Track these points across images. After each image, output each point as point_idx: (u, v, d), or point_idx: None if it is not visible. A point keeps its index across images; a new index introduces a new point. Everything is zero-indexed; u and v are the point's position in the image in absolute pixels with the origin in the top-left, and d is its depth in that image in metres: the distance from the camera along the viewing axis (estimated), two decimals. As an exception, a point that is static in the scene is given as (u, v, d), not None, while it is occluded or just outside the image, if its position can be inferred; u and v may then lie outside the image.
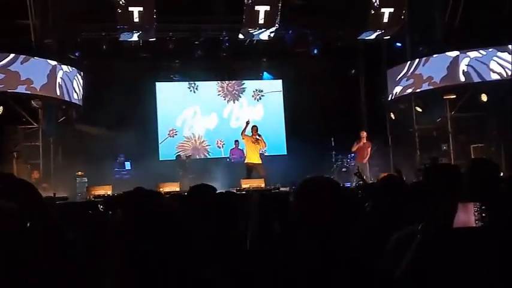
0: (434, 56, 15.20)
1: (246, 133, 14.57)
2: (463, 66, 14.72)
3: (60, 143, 15.18)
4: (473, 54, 14.67)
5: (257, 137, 14.48)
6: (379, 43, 16.96)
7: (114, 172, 15.77)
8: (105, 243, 2.61)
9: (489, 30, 14.52)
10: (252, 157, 14.49)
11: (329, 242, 2.26)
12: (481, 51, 14.62)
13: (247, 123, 14.72)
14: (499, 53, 14.51)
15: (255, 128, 14.63)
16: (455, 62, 14.80)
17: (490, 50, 14.56)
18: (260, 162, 14.56)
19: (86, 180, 14.10)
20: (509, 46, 14.43)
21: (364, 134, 15.25)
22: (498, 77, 14.49)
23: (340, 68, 18.04)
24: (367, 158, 15.14)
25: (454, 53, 14.83)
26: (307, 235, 2.30)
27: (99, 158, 14.85)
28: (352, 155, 16.65)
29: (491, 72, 14.53)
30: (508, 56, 14.42)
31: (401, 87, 16.08)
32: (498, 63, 14.47)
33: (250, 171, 14.41)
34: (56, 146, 15.09)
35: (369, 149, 15.21)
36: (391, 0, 14.91)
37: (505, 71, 14.44)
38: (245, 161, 14.72)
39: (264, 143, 14.62)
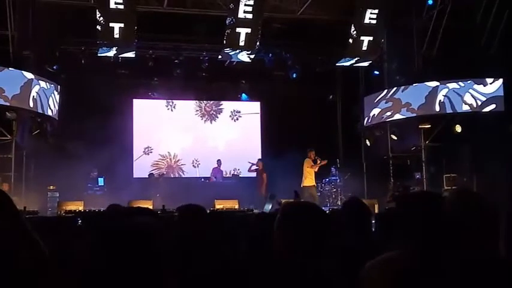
0: (414, 84, 15.41)
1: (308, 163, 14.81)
2: (440, 96, 14.97)
3: (33, 156, 14.97)
4: (452, 85, 14.94)
5: (314, 159, 14.77)
6: (357, 71, 17.20)
7: (86, 188, 15.58)
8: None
9: (466, 63, 14.83)
10: (312, 180, 14.78)
11: (310, 268, 2.28)
12: (460, 82, 14.89)
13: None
14: (475, 85, 14.80)
15: (313, 152, 14.81)
16: (434, 91, 15.05)
17: (468, 81, 14.84)
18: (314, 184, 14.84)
19: (58, 195, 13.92)
20: (486, 79, 14.72)
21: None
22: (468, 108, 14.77)
23: (318, 93, 18.19)
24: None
25: (434, 83, 15.08)
26: (289, 261, 2.31)
27: (72, 173, 14.64)
28: (327, 179, 16.76)
29: (463, 104, 14.80)
30: (483, 88, 14.71)
31: (379, 110, 16.21)
32: (472, 95, 14.75)
33: (307, 193, 14.53)
34: (29, 159, 14.88)
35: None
36: (370, 28, 15.15)
37: (476, 102, 14.72)
38: (302, 185, 14.79)
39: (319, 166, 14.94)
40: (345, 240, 4.02)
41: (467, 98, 14.79)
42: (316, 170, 14.95)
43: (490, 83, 14.74)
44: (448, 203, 2.92)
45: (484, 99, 14.71)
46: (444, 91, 14.96)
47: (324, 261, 2.36)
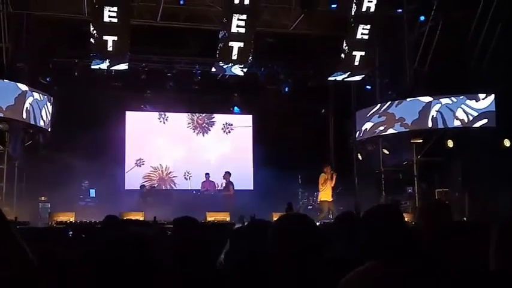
0: (408, 99, 15.46)
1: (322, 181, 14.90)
2: (433, 111, 15.01)
3: (25, 167, 14.92)
4: (444, 100, 14.98)
5: (331, 175, 14.90)
6: (349, 85, 17.30)
7: (78, 199, 15.54)
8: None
9: (457, 78, 14.94)
10: (328, 195, 14.92)
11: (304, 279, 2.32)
12: (452, 98, 14.95)
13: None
14: (467, 101, 14.86)
15: (329, 167, 15.03)
16: (427, 107, 15.08)
17: (461, 97, 14.91)
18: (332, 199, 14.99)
19: (49, 205, 13.88)
20: (479, 95, 14.80)
21: None
22: (459, 124, 14.84)
23: (310, 107, 18.28)
24: None
25: (427, 99, 15.11)
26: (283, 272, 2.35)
27: (64, 184, 14.62)
28: (318, 193, 16.77)
29: (454, 119, 14.88)
30: (475, 103, 14.80)
31: (372, 124, 16.21)
32: (464, 110, 14.83)
33: (326, 208, 14.68)
34: (21, 170, 14.83)
35: None
36: (362, 44, 15.25)
37: (468, 117, 14.80)
38: (320, 199, 15.02)
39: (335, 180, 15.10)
40: (337, 253, 4.06)
41: (459, 113, 14.87)
42: (332, 184, 15.08)
43: (483, 99, 14.80)
44: (419, 214, 2.98)
45: (475, 114, 14.78)
46: (437, 106, 15.01)
47: (316, 271, 2.40)
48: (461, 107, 14.88)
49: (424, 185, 15.72)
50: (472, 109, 14.82)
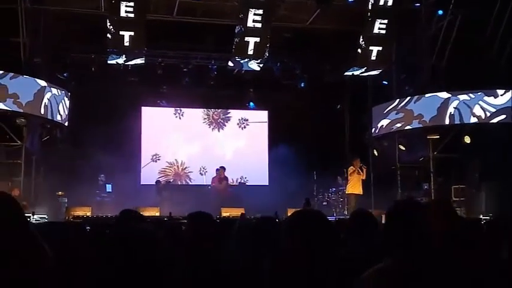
0: (427, 95, 15.28)
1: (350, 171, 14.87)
2: (451, 108, 14.82)
3: (43, 162, 15.06)
4: (462, 97, 14.77)
5: (360, 167, 14.77)
6: (365, 80, 17.18)
7: (94, 194, 15.64)
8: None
9: (475, 74, 14.78)
10: (355, 187, 14.74)
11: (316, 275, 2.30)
12: (470, 94, 14.76)
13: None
14: (485, 97, 14.66)
15: (358, 160, 14.89)
16: (445, 103, 14.91)
17: (479, 93, 14.72)
18: (362, 193, 14.85)
19: (66, 200, 13.98)
20: (497, 90, 14.62)
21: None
22: (476, 120, 14.67)
23: (326, 102, 18.22)
24: None
25: (446, 95, 14.94)
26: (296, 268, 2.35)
27: (81, 179, 14.74)
28: (334, 189, 16.75)
29: (471, 116, 14.70)
30: (493, 99, 14.62)
31: (388, 121, 16.05)
32: (481, 107, 14.64)
33: (353, 201, 14.61)
34: (38, 165, 14.98)
35: None
36: (379, 39, 15.12)
37: (485, 114, 14.62)
38: (347, 192, 14.96)
39: (365, 173, 14.98)
40: (351, 250, 4.04)
41: (477, 109, 14.68)
42: (363, 177, 14.94)
43: (501, 95, 14.60)
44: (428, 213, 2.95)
45: (493, 110, 14.59)
46: (455, 103, 14.81)
47: (328, 268, 2.39)
48: (478, 103, 14.69)
49: (441, 181, 15.57)
50: (489, 105, 14.64)
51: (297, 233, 2.45)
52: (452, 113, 14.83)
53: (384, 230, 2.71)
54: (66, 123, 15.28)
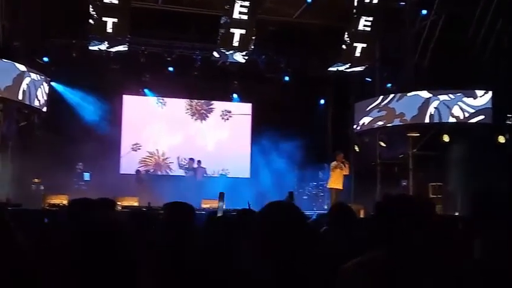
0: (409, 94, 15.37)
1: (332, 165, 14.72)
2: (431, 108, 14.95)
3: (19, 148, 14.83)
4: (442, 97, 14.90)
5: (342, 162, 14.59)
6: (349, 76, 17.22)
7: (72, 182, 15.47)
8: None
9: (457, 73, 14.89)
10: (336, 182, 14.59)
11: (285, 268, 2.27)
12: (450, 94, 14.88)
13: None
14: (464, 98, 14.80)
15: (341, 155, 14.71)
16: (426, 103, 15.02)
17: (459, 94, 14.84)
18: (342, 188, 14.67)
19: (42, 188, 13.80)
20: (475, 91, 14.76)
21: None
22: (454, 120, 14.81)
23: (309, 97, 18.22)
24: None
25: (427, 94, 15.04)
26: (264, 261, 2.31)
27: (59, 166, 14.55)
28: (314, 183, 16.79)
29: (450, 117, 14.83)
30: (472, 101, 14.75)
31: (371, 118, 16.13)
32: (460, 107, 14.77)
33: (334, 195, 14.50)
34: (15, 151, 14.74)
35: None
36: (364, 35, 15.17)
37: (463, 114, 14.75)
38: (328, 186, 14.82)
39: (349, 168, 14.76)
40: (330, 243, 4.04)
41: (455, 110, 14.80)
42: (346, 172, 14.77)
43: (480, 96, 14.75)
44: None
45: (472, 111, 14.73)
46: (435, 103, 14.94)
47: (299, 260, 2.36)
48: (458, 104, 14.83)
49: (419, 178, 15.70)
50: (468, 106, 14.77)
51: (268, 225, 2.41)
52: (432, 113, 14.96)
53: (373, 222, 2.71)
54: (44, 109, 15.04)
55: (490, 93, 14.67)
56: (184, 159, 17.72)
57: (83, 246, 1.77)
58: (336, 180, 14.68)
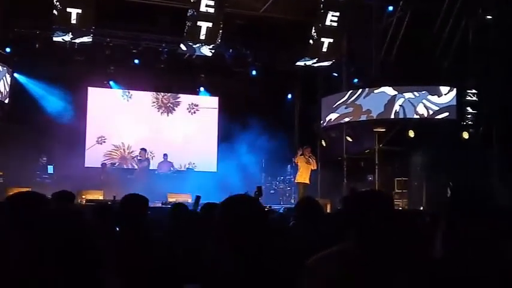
0: (375, 91, 15.50)
1: (298, 156, 14.78)
2: (396, 106, 15.13)
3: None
4: (407, 95, 15.09)
5: (309, 157, 14.64)
6: (316, 71, 17.30)
7: (35, 175, 15.20)
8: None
9: (421, 70, 15.11)
10: (303, 177, 14.61)
11: (249, 262, 2.25)
12: (415, 92, 15.07)
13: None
14: (429, 96, 15.00)
15: (308, 149, 14.75)
16: (392, 100, 15.18)
17: (423, 92, 15.05)
18: (309, 182, 14.69)
19: (2, 181, 13.55)
20: (440, 88, 14.97)
21: None
22: (418, 117, 15.03)
23: (276, 91, 18.25)
24: None
25: (392, 92, 15.20)
26: (228, 254, 2.29)
27: (22, 159, 14.29)
28: (281, 177, 16.85)
29: (414, 114, 15.05)
30: (437, 98, 14.97)
31: (337, 115, 16.22)
32: (425, 105, 14.98)
33: (302, 190, 14.51)
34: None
35: None
36: (331, 31, 15.26)
37: (428, 112, 14.97)
38: (296, 180, 14.82)
39: (316, 163, 14.84)
40: (297, 237, 4.04)
41: (420, 108, 15.00)
42: (313, 167, 14.85)
43: (445, 94, 14.97)
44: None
45: (436, 108, 14.95)
46: (400, 101, 15.11)
47: (263, 254, 2.36)
48: (422, 102, 15.03)
49: (385, 173, 15.90)
50: (433, 104, 14.99)
51: (227, 218, 2.41)
52: (397, 111, 15.16)
53: (341, 216, 2.73)
54: (6, 101, 14.71)
55: (455, 90, 14.91)
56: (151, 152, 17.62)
57: (30, 243, 1.71)
58: (303, 174, 14.76)
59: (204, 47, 14.78)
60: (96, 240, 1.83)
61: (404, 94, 15.10)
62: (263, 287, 2.28)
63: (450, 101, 14.92)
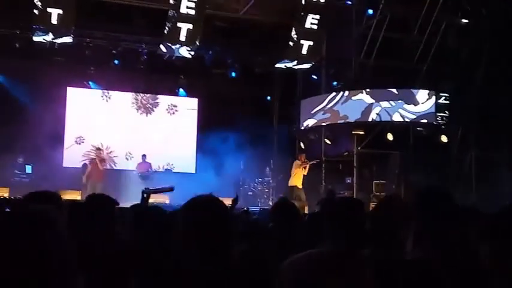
0: (353, 98, 15.57)
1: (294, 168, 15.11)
2: (373, 114, 15.31)
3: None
4: (384, 104, 15.26)
5: (303, 162, 15.04)
6: (295, 73, 17.39)
7: (13, 174, 15.07)
8: None
9: (400, 73, 15.28)
10: (297, 181, 14.89)
11: (211, 262, 2.28)
12: (391, 101, 15.23)
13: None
14: (405, 105, 15.16)
15: (303, 155, 15.16)
16: (369, 108, 15.34)
17: (399, 101, 15.19)
18: (301, 187, 14.97)
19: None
20: (417, 97, 15.07)
21: None
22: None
23: (256, 93, 18.28)
24: None
25: (370, 100, 15.35)
26: (191, 254, 2.32)
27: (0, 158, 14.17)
28: (260, 179, 16.88)
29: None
30: (413, 107, 15.12)
31: (315, 121, 16.37)
32: (401, 114, 15.17)
33: (293, 194, 14.62)
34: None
35: None
36: (311, 33, 15.35)
37: (404, 121, 15.15)
38: (290, 184, 15.02)
39: (308, 169, 15.19)
40: (273, 239, 4.08)
41: (396, 117, 15.18)
42: (305, 173, 15.15)
43: (423, 102, 15.08)
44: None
45: (413, 117, 15.13)
46: (377, 109, 15.27)
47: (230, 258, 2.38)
48: (398, 111, 15.19)
49: (363, 175, 16.01)
50: (409, 112, 15.17)
51: (189, 218, 2.42)
52: (374, 119, 15.32)
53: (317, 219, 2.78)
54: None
55: (434, 97, 15.00)
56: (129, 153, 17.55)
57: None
58: (298, 179, 14.95)
59: (183, 48, 14.79)
60: (62, 242, 1.84)
61: (380, 103, 15.24)
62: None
63: (429, 108, 15.03)
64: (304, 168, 15.12)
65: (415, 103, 15.09)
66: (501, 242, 1.69)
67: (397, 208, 3.16)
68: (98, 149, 15.71)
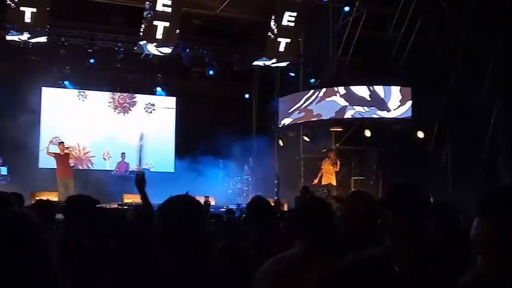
0: (327, 99, 15.63)
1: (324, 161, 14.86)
2: (348, 115, 15.44)
3: None
4: (358, 108, 15.36)
5: (335, 159, 14.78)
6: (273, 71, 17.40)
7: (-12, 176, 14.87)
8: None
9: (377, 69, 15.37)
10: (331, 178, 14.71)
11: (189, 261, 2.27)
12: (365, 107, 15.33)
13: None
14: (378, 111, 15.27)
15: (333, 152, 14.94)
16: (343, 109, 15.44)
17: (372, 108, 15.29)
18: (336, 184, 14.78)
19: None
20: (388, 103, 15.19)
21: None
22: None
23: (234, 91, 18.26)
24: None
25: (344, 102, 15.43)
26: (168, 255, 2.31)
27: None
28: (239, 177, 16.87)
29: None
30: (386, 113, 15.22)
31: (291, 119, 16.45)
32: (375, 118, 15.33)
33: (330, 192, 14.39)
34: None
35: None
36: (288, 30, 15.36)
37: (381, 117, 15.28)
38: (322, 183, 14.79)
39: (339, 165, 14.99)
40: (249, 238, 4.08)
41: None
42: (337, 169, 14.97)
43: (394, 109, 15.16)
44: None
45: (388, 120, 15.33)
46: (351, 112, 15.37)
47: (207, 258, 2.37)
48: (372, 117, 15.31)
49: (344, 171, 16.05)
50: (382, 119, 15.31)
51: (162, 218, 2.42)
52: (349, 117, 15.44)
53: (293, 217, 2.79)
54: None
55: (409, 102, 15.04)
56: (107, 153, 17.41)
57: None
58: (331, 176, 14.85)
59: (160, 46, 14.68)
60: (44, 243, 1.81)
61: (354, 107, 15.34)
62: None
63: (403, 113, 15.12)
64: (336, 164, 15.00)
65: (388, 110, 15.18)
66: None
67: (367, 204, 3.19)
68: (61, 143, 15.33)
